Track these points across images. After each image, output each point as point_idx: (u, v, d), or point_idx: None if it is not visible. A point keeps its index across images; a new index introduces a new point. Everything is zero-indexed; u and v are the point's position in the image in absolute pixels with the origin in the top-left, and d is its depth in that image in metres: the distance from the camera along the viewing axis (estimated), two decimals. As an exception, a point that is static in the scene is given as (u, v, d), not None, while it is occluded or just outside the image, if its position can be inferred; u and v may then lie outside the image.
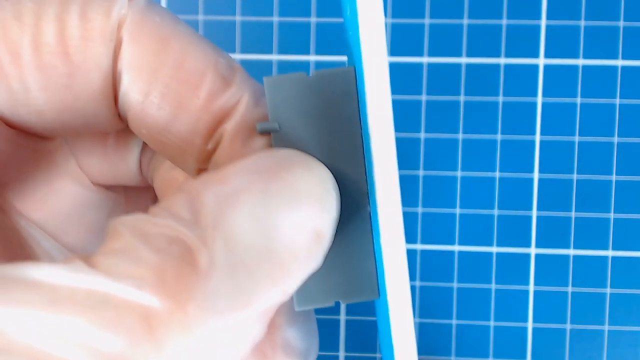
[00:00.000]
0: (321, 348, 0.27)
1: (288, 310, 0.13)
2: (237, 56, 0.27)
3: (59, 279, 0.09)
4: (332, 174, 0.12)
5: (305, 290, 0.13)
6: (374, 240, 0.13)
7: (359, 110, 0.13)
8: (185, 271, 0.10)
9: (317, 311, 0.27)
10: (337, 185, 0.12)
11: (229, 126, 0.13)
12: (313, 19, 0.26)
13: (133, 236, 0.10)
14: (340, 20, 0.26)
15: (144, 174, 0.16)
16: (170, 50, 0.12)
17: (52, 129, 0.13)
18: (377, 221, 0.12)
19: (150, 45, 0.12)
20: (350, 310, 0.27)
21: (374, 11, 0.11)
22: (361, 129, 0.13)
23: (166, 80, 0.12)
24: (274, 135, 0.13)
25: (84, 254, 0.10)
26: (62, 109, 0.13)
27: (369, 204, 0.13)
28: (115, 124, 0.14)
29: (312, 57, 0.26)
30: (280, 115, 0.12)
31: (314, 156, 0.12)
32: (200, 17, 0.27)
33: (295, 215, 0.11)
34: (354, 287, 0.13)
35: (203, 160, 0.13)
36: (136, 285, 0.09)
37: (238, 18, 0.27)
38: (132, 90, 0.12)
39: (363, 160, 0.13)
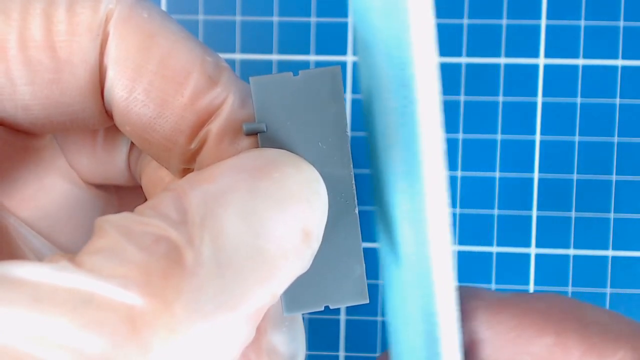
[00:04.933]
0: (321, 348, 0.27)
1: (274, 315, 0.13)
2: (237, 56, 0.27)
3: (42, 277, 0.09)
4: (320, 175, 0.12)
5: (293, 295, 0.13)
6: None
7: (345, 110, 0.13)
8: (171, 270, 0.10)
9: (318, 311, 0.27)
10: (325, 186, 0.12)
11: (214, 126, 0.13)
12: (313, 19, 0.26)
13: (119, 234, 0.10)
14: (340, 20, 0.26)
15: (132, 173, 0.16)
16: (156, 47, 0.12)
17: (40, 125, 0.13)
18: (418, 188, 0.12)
19: (136, 41, 0.12)
20: (350, 310, 0.27)
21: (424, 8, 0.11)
22: (347, 128, 0.13)
23: (151, 77, 0.12)
24: (261, 136, 0.12)
25: (69, 253, 0.10)
26: (49, 104, 0.13)
27: (357, 205, 0.13)
28: (103, 120, 0.13)
29: (312, 57, 0.26)
30: (267, 116, 0.12)
31: (301, 157, 0.12)
32: (200, 17, 0.27)
33: (285, 214, 0.11)
34: (343, 290, 0.13)
35: (187, 160, 0.13)
36: (121, 285, 0.09)
37: (238, 18, 0.27)
38: (116, 86, 0.12)
39: (350, 161, 0.13)
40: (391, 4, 0.12)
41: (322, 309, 0.13)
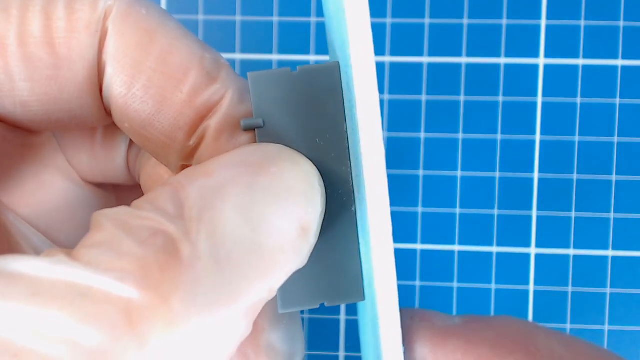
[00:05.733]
0: (321, 348, 0.27)
1: (272, 313, 0.13)
2: (237, 56, 0.27)
3: (40, 271, 0.09)
4: (318, 170, 0.12)
5: (289, 292, 0.13)
6: (359, 240, 0.13)
7: (344, 106, 0.12)
8: (168, 264, 0.10)
9: (317, 311, 0.27)
10: (322, 181, 0.12)
11: (213, 122, 0.13)
12: (313, 19, 0.26)
13: (116, 228, 0.10)
14: (340, 20, 0.26)
15: (131, 171, 0.16)
16: (155, 44, 0.12)
17: (38, 122, 0.13)
18: (365, 220, 0.12)
19: (134, 37, 0.12)
20: (350, 310, 0.27)
21: (361, 10, 0.11)
22: (346, 124, 0.13)
23: (149, 73, 0.12)
24: (259, 132, 0.12)
25: (67, 248, 0.10)
26: (47, 101, 0.13)
27: (355, 202, 0.13)
28: (102, 118, 0.14)
29: (312, 57, 0.26)
30: (265, 111, 0.12)
31: (299, 152, 0.12)
32: (200, 17, 0.27)
33: (282, 209, 0.11)
34: (339, 288, 0.13)
35: (186, 156, 0.13)
36: (118, 278, 0.09)
37: (238, 18, 0.27)
38: (115, 83, 0.12)
39: (348, 158, 0.13)
40: (338, 9, 0.12)
41: (318, 306, 0.13)
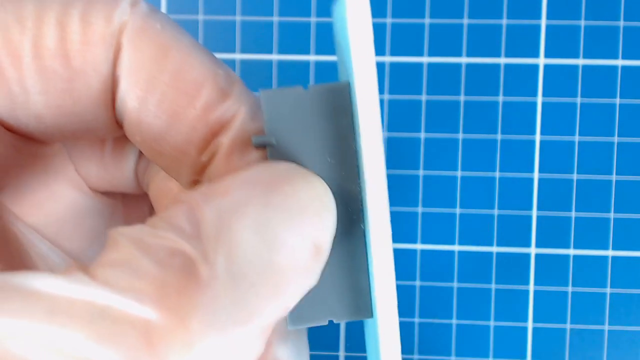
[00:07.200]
0: (321, 348, 0.27)
1: (280, 329, 0.13)
2: (237, 56, 0.27)
3: (58, 289, 0.09)
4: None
5: (298, 308, 0.13)
6: (367, 257, 0.13)
7: (353, 124, 0.13)
8: (186, 284, 0.10)
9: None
10: (334, 199, 0.12)
11: (225, 139, 0.13)
12: (313, 19, 0.26)
13: (133, 247, 0.10)
14: (340, 20, 0.26)
15: (140, 181, 0.16)
16: (169, 59, 0.12)
17: (51, 133, 0.13)
18: (367, 234, 0.12)
19: (149, 52, 0.12)
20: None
21: (364, 25, 0.11)
22: (356, 143, 0.13)
23: (163, 88, 0.12)
24: (270, 149, 0.12)
25: (84, 265, 0.10)
26: (61, 113, 0.13)
27: (363, 220, 0.13)
28: (114, 130, 0.13)
29: (312, 57, 0.26)
30: (277, 129, 0.12)
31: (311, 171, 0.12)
32: (200, 17, 0.27)
33: (297, 228, 0.11)
34: (347, 305, 0.13)
35: (197, 171, 0.13)
36: (137, 299, 0.09)
37: (238, 18, 0.27)
38: (128, 97, 0.12)
39: (358, 176, 0.13)
40: (342, 18, 0.12)
41: (327, 323, 0.13)
